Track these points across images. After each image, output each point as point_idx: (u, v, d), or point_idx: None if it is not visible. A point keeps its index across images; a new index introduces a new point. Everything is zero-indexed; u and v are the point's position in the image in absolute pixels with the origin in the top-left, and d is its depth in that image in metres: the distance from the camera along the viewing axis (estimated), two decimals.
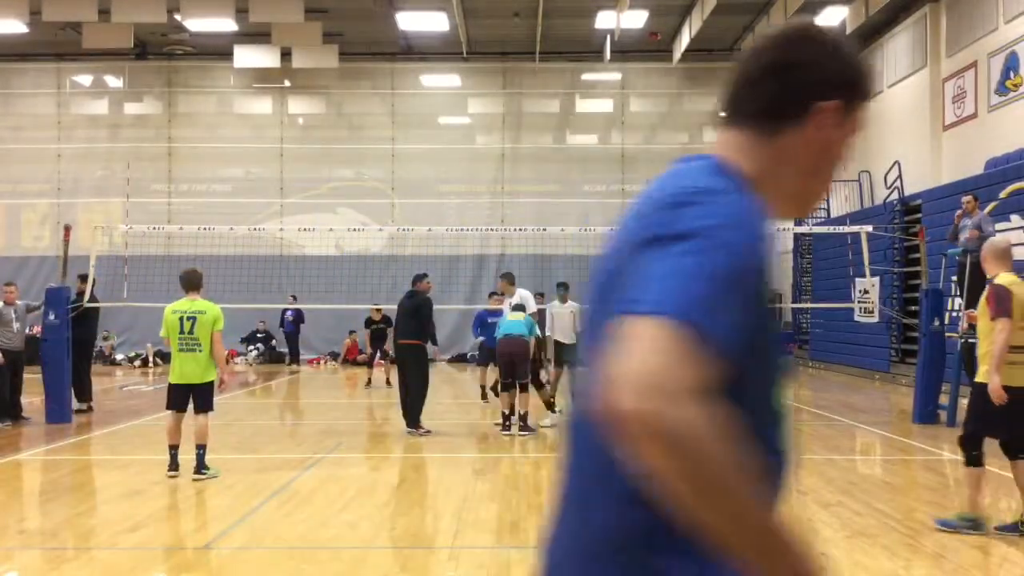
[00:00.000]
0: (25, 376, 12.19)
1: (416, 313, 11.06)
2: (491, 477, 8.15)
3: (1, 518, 6.66)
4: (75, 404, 12.48)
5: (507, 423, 10.57)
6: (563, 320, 12.04)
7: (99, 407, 12.97)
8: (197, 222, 22.38)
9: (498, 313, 14.06)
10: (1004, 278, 6.03)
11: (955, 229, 12.40)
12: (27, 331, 12.61)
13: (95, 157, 25.41)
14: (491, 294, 15.93)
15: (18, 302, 11.97)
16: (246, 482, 7.89)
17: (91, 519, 6.66)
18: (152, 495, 7.34)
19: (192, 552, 5.73)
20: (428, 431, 10.62)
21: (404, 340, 11.03)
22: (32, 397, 12.69)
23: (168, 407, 8.12)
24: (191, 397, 8.04)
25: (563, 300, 12.39)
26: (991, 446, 6.07)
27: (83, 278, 13.03)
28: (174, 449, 7.96)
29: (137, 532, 6.27)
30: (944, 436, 10.60)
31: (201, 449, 7.97)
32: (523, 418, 10.65)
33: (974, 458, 6.03)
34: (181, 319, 7.92)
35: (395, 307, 16.68)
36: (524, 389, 10.76)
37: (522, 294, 11.69)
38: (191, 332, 7.89)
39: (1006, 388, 5.76)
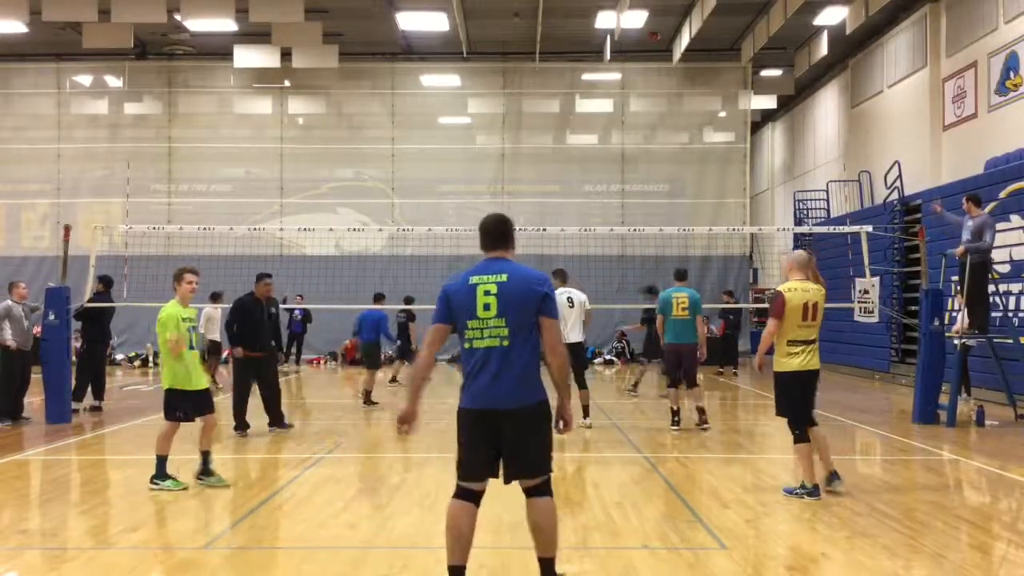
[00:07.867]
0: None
1: (276, 319, 11.53)
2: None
3: (1, 518, 6.65)
4: (92, 401, 12.86)
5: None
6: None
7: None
8: (197, 222, 22.38)
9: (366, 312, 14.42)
10: None
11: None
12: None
13: (95, 157, 25.45)
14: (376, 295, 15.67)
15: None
16: (246, 482, 7.88)
17: (91, 519, 6.66)
18: (152, 495, 7.33)
19: (192, 552, 5.73)
20: (292, 424, 11.38)
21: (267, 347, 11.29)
22: (32, 397, 12.68)
23: None
24: None
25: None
26: None
27: (101, 279, 13.16)
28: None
29: (137, 532, 6.27)
30: (944, 436, 10.61)
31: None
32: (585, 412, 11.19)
33: None
34: None
35: (396, 307, 16.72)
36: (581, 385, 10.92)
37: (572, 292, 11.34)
38: None
39: None
